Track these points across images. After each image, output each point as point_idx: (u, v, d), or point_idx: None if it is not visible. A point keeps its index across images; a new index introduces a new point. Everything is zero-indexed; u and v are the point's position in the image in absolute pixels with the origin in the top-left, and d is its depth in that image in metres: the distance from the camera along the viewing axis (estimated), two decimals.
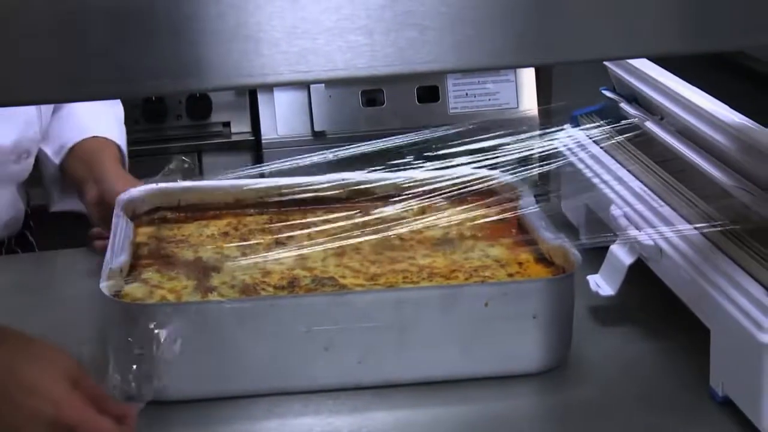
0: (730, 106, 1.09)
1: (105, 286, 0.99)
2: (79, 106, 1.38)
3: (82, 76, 0.55)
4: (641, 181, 1.15)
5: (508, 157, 1.46)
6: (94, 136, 1.37)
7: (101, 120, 1.40)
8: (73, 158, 1.36)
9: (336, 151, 1.35)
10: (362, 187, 1.24)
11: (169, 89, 0.57)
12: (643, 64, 1.24)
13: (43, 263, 1.28)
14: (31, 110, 1.33)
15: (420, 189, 1.25)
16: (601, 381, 1.03)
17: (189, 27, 0.54)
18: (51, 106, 1.38)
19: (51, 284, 1.25)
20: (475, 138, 1.58)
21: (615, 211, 1.14)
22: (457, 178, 1.26)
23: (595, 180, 1.22)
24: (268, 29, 0.55)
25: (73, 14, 0.54)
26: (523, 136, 1.33)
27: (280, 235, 1.15)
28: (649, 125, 1.22)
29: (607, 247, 1.13)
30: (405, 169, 1.29)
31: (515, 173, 1.28)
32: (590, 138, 1.29)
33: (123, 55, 0.54)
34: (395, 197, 1.24)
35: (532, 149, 1.62)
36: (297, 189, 1.23)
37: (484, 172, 1.28)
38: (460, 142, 1.42)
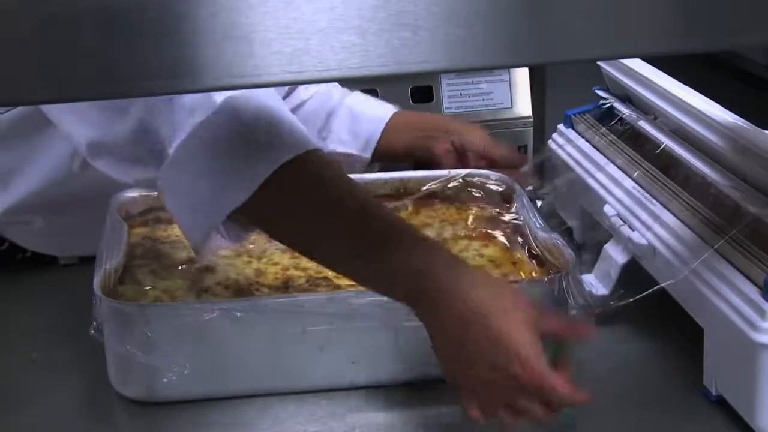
0: (723, 107, 1.09)
1: (98, 286, 0.99)
2: (354, 102, 1.38)
3: (71, 76, 0.55)
4: (635, 181, 1.15)
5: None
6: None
7: (371, 100, 1.40)
8: (385, 142, 1.35)
9: None
10: None
11: (161, 90, 0.57)
12: (637, 64, 1.24)
13: (42, 263, 1.28)
14: None
15: (414, 189, 1.25)
16: (595, 380, 1.03)
17: (181, 27, 0.54)
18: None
19: (50, 283, 1.25)
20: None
21: (608, 210, 1.14)
22: (452, 177, 1.26)
23: (589, 179, 1.22)
24: (261, 30, 0.55)
25: (62, 14, 0.54)
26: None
27: None
28: (643, 125, 1.22)
29: (601, 247, 1.13)
30: (399, 169, 1.30)
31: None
32: (584, 137, 1.29)
33: (113, 56, 0.54)
34: (390, 197, 1.24)
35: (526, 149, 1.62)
36: None
37: (479, 171, 1.28)
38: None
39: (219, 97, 0.93)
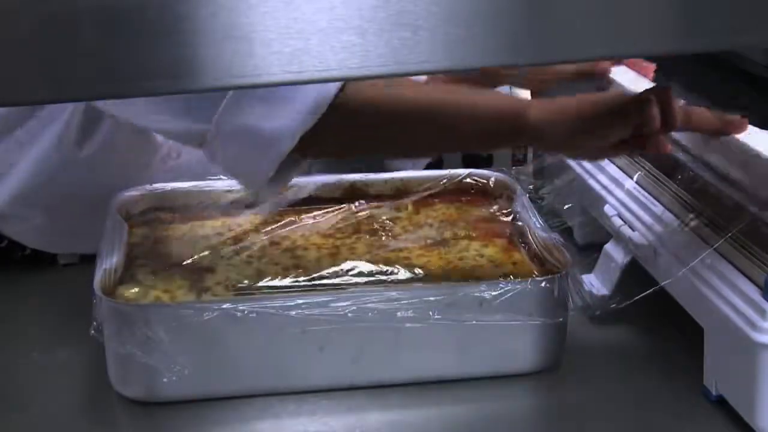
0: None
1: (99, 286, 0.99)
2: None
3: (71, 76, 0.55)
4: (635, 181, 1.15)
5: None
6: None
7: None
8: None
9: None
10: (357, 186, 1.25)
11: (161, 90, 0.57)
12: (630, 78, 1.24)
13: (41, 261, 1.28)
14: None
15: (415, 189, 1.25)
16: (595, 380, 1.03)
17: (181, 27, 0.54)
18: None
19: (50, 283, 1.25)
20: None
21: (609, 210, 1.14)
22: (452, 177, 1.26)
23: (589, 180, 1.22)
24: (261, 29, 0.55)
25: (62, 14, 0.54)
26: None
27: (274, 236, 1.15)
28: None
29: (602, 247, 1.13)
30: (400, 169, 1.30)
31: (509, 173, 1.29)
32: None
33: (113, 56, 0.54)
34: (390, 197, 1.24)
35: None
36: (291, 189, 1.23)
37: (479, 171, 1.28)
38: None
39: None
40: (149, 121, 1.04)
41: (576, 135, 0.99)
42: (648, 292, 1.02)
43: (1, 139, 1.20)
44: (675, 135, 1.09)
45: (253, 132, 0.97)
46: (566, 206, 1.31)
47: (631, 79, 1.20)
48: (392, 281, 1.05)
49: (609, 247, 1.12)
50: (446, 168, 1.29)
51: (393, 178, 1.26)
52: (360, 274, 1.07)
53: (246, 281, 1.05)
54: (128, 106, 1.02)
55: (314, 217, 1.18)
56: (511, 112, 1.00)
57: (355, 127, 0.99)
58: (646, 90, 1.00)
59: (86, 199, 1.20)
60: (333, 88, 0.95)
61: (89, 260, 1.07)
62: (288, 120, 0.95)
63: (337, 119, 0.96)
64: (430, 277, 1.06)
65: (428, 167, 1.31)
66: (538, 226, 1.12)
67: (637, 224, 1.09)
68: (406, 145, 1.04)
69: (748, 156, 1.02)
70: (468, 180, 1.26)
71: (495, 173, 1.28)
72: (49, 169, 1.20)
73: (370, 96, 0.98)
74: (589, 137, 0.99)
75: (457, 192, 1.26)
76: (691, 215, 1.04)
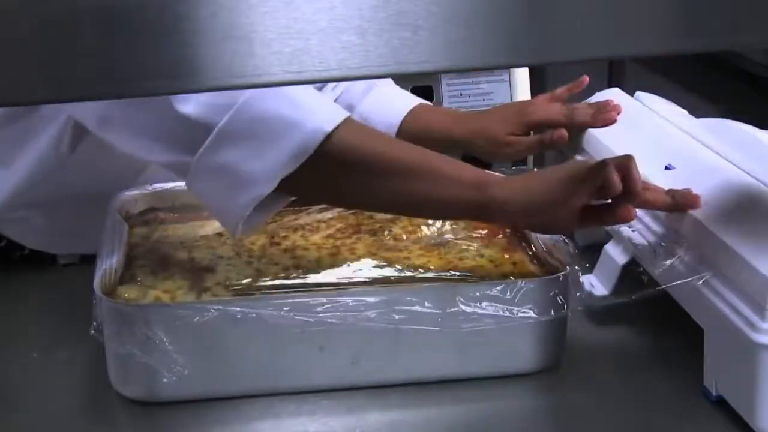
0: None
1: (99, 286, 0.99)
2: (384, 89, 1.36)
3: (71, 76, 0.55)
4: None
5: None
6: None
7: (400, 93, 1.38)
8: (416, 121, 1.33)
9: None
10: None
11: (161, 90, 0.57)
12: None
13: (41, 261, 1.28)
14: None
15: None
16: (595, 381, 1.03)
17: (181, 27, 0.54)
18: None
19: (50, 283, 1.25)
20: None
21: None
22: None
23: None
24: (261, 29, 0.55)
25: (62, 14, 0.54)
26: None
27: (274, 236, 1.15)
28: None
29: (602, 247, 1.13)
30: None
31: (510, 172, 1.28)
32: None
33: (113, 56, 0.54)
34: None
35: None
36: None
37: None
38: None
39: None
40: (136, 149, 1.04)
41: (539, 207, 1.00)
42: (648, 292, 1.02)
43: None
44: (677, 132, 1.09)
45: (231, 173, 0.98)
46: None
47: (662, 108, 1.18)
48: (392, 281, 1.05)
49: (609, 247, 1.12)
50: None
51: None
52: (360, 274, 1.07)
53: (246, 281, 1.05)
54: (117, 134, 1.03)
55: (314, 218, 1.18)
56: (478, 183, 1.01)
57: (336, 176, 1.00)
58: (609, 158, 1.00)
59: (84, 198, 1.20)
60: (320, 134, 0.96)
61: (89, 260, 1.07)
62: (269, 163, 0.96)
63: (319, 165, 0.97)
64: (430, 277, 1.06)
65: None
66: None
67: (637, 224, 1.09)
68: (378, 201, 1.04)
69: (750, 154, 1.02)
70: None
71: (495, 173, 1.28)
72: (46, 168, 1.19)
73: (356, 146, 0.99)
74: (551, 207, 1.00)
75: None
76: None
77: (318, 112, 0.98)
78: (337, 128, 0.97)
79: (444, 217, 1.13)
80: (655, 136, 1.18)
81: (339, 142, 0.98)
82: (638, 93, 1.29)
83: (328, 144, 0.97)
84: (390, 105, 1.34)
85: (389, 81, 1.38)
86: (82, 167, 1.20)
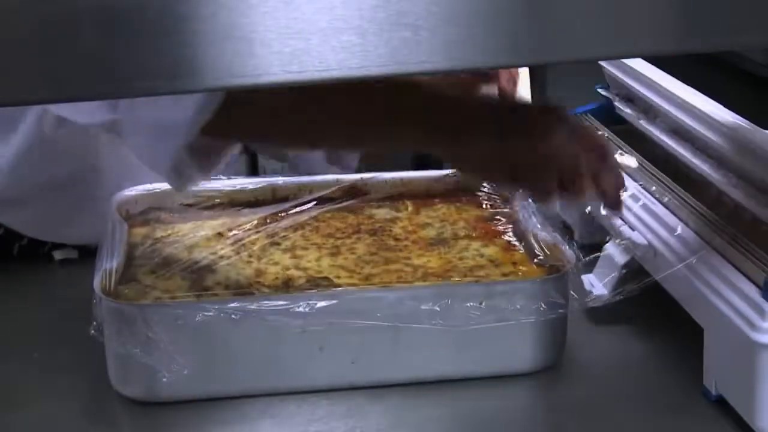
0: (725, 107, 1.09)
1: (98, 286, 0.99)
2: None
3: (71, 76, 0.55)
4: (635, 180, 1.15)
5: None
6: None
7: None
8: None
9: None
10: (357, 187, 1.25)
11: (161, 90, 0.57)
12: (638, 64, 1.24)
13: (40, 262, 1.28)
14: None
15: (415, 189, 1.25)
16: (595, 380, 1.03)
17: (181, 27, 0.54)
18: None
19: (50, 283, 1.25)
20: None
21: (609, 210, 1.14)
22: (452, 177, 1.26)
23: None
24: (261, 30, 0.55)
25: (62, 14, 0.54)
26: None
27: (274, 235, 1.15)
28: (644, 124, 1.22)
29: (602, 247, 1.13)
30: (400, 169, 1.30)
31: None
32: None
33: (113, 56, 0.54)
34: (390, 197, 1.24)
35: None
36: (292, 188, 1.23)
37: None
38: None
39: None
40: (72, 112, 1.04)
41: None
42: (647, 281, 1.02)
43: None
44: (678, 132, 1.09)
45: (154, 123, 0.97)
46: (566, 206, 1.31)
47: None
48: (392, 281, 1.05)
49: (609, 246, 1.12)
50: (446, 168, 1.29)
51: (393, 178, 1.26)
52: (360, 273, 1.07)
53: (246, 281, 1.05)
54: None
55: (315, 217, 1.18)
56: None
57: (257, 113, 0.96)
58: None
59: (79, 187, 1.20)
60: None
61: (88, 258, 1.07)
62: (188, 112, 0.95)
63: (238, 106, 0.94)
64: (430, 277, 1.06)
65: (429, 167, 1.31)
66: (538, 226, 1.12)
67: (636, 224, 1.09)
68: (309, 126, 0.99)
69: (750, 154, 1.02)
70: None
71: None
72: (34, 151, 1.20)
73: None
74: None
75: (457, 192, 1.26)
76: (691, 214, 1.04)
77: None
78: None
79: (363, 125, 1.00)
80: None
81: None
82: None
83: None
84: None
85: None
86: (70, 150, 1.20)
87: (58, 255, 1.28)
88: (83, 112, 1.02)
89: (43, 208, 1.25)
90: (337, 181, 1.24)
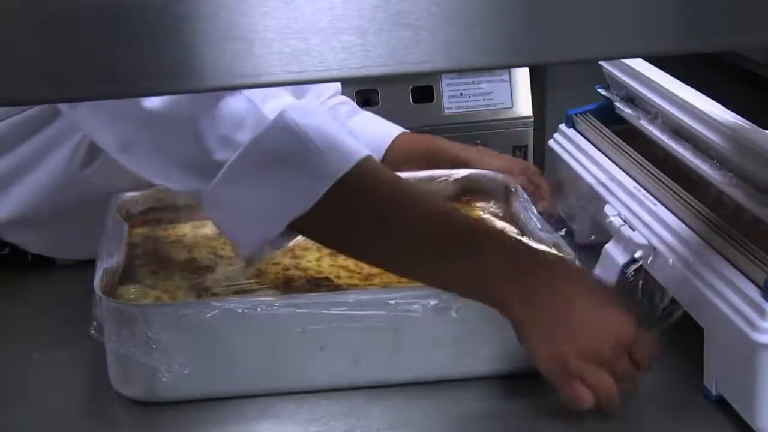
0: (725, 107, 1.09)
1: (99, 286, 0.99)
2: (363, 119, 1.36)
3: (71, 76, 0.55)
4: (636, 180, 1.15)
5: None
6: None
7: (377, 120, 1.38)
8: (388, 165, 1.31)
9: None
10: None
11: (161, 90, 0.57)
12: (638, 64, 1.24)
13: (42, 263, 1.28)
14: None
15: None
16: None
17: (181, 27, 0.54)
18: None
19: (50, 283, 1.25)
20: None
21: (609, 210, 1.14)
22: (452, 177, 1.26)
23: (590, 179, 1.22)
24: (261, 29, 0.55)
25: (62, 14, 0.54)
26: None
27: None
28: (644, 124, 1.22)
29: (602, 247, 1.13)
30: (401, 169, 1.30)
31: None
32: (585, 137, 1.29)
33: (113, 56, 0.54)
34: None
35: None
36: None
37: (479, 171, 1.28)
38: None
39: (266, 108, 0.97)
40: (154, 175, 1.03)
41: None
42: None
43: (3, 155, 1.20)
44: (678, 132, 1.09)
45: (240, 210, 0.97)
46: (567, 206, 1.31)
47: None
48: (393, 281, 1.05)
49: (609, 246, 1.12)
50: (446, 168, 1.29)
51: None
52: (360, 273, 1.07)
53: (246, 281, 1.05)
54: (138, 159, 1.02)
55: None
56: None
57: (344, 220, 0.98)
58: None
59: (90, 206, 1.20)
60: (329, 180, 0.94)
61: (88, 260, 1.07)
62: (276, 206, 0.96)
63: (328, 207, 0.95)
64: None
65: (428, 167, 1.31)
66: (539, 226, 1.12)
67: (637, 224, 1.09)
68: (381, 248, 0.99)
69: (751, 154, 1.02)
70: (468, 180, 1.26)
71: (495, 173, 1.28)
72: (58, 185, 1.20)
73: (369, 188, 0.98)
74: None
75: (457, 192, 1.26)
76: (691, 215, 1.04)
77: (329, 154, 0.95)
78: (350, 172, 0.95)
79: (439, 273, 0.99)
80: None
81: (351, 186, 0.95)
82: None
83: (340, 187, 0.94)
84: (380, 125, 1.36)
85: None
86: (93, 181, 1.20)
87: (60, 261, 1.28)
88: (170, 179, 1.01)
89: (55, 231, 1.25)
90: None
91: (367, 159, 0.97)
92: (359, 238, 0.99)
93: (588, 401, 0.92)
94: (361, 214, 0.98)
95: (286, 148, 0.96)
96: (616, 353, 0.92)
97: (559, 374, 0.92)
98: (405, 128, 1.42)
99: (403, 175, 1.25)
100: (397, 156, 1.33)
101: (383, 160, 1.33)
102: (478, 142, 1.61)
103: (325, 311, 0.97)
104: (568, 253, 1.05)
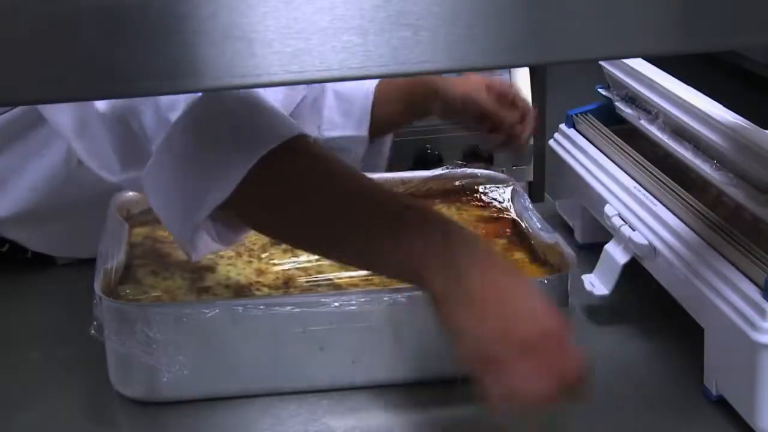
0: (725, 107, 1.09)
1: (99, 286, 0.99)
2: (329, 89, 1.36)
3: (71, 76, 0.55)
4: (636, 180, 1.15)
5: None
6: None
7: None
8: (378, 114, 1.34)
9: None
10: None
11: (161, 90, 0.57)
12: (638, 64, 1.24)
13: (42, 263, 1.28)
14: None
15: (415, 189, 1.25)
16: (595, 380, 1.03)
17: (181, 27, 0.54)
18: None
19: (50, 283, 1.25)
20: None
21: (609, 210, 1.14)
22: (452, 177, 1.26)
23: (590, 179, 1.22)
24: (261, 29, 0.55)
25: (62, 14, 0.54)
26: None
27: None
28: (644, 124, 1.22)
29: (602, 247, 1.13)
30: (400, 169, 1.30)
31: (510, 172, 1.29)
32: (585, 137, 1.29)
33: (113, 56, 0.54)
34: None
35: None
36: None
37: (479, 171, 1.28)
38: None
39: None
40: (98, 164, 1.01)
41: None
42: (649, 292, 1.01)
43: (1, 152, 1.20)
44: (679, 132, 1.09)
45: (170, 196, 0.94)
46: (567, 206, 1.31)
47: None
48: (393, 281, 1.05)
49: (609, 247, 1.12)
50: (446, 168, 1.29)
51: (393, 178, 1.26)
52: (360, 273, 1.07)
53: (246, 281, 1.05)
54: (86, 144, 1.00)
55: None
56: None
57: (279, 191, 0.93)
58: None
59: (89, 204, 1.20)
60: (259, 152, 0.90)
61: (89, 260, 1.07)
62: (202, 189, 0.92)
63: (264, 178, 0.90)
64: None
65: (428, 167, 1.31)
66: (539, 226, 1.12)
67: (637, 224, 1.09)
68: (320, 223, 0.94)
69: (751, 154, 1.02)
70: (468, 180, 1.26)
71: (496, 173, 1.28)
72: (56, 181, 1.19)
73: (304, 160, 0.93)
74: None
75: (457, 192, 1.26)
76: (692, 214, 1.04)
77: (254, 133, 0.91)
78: (274, 151, 0.90)
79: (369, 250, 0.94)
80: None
81: (276, 166, 0.90)
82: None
83: (264, 168, 0.90)
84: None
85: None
86: (85, 174, 1.19)
87: (60, 260, 1.27)
88: (107, 169, 0.99)
89: (54, 228, 1.25)
90: None
91: (297, 138, 0.92)
92: (288, 220, 0.94)
93: (509, 390, 0.84)
94: (289, 196, 0.93)
95: (212, 126, 0.92)
96: (546, 343, 0.84)
97: (479, 360, 0.85)
98: (405, 128, 1.42)
99: (402, 174, 1.26)
100: (385, 98, 1.34)
101: (374, 107, 1.33)
102: (478, 143, 1.61)
103: (325, 311, 0.97)
104: (569, 253, 1.05)
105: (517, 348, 0.83)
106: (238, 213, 0.95)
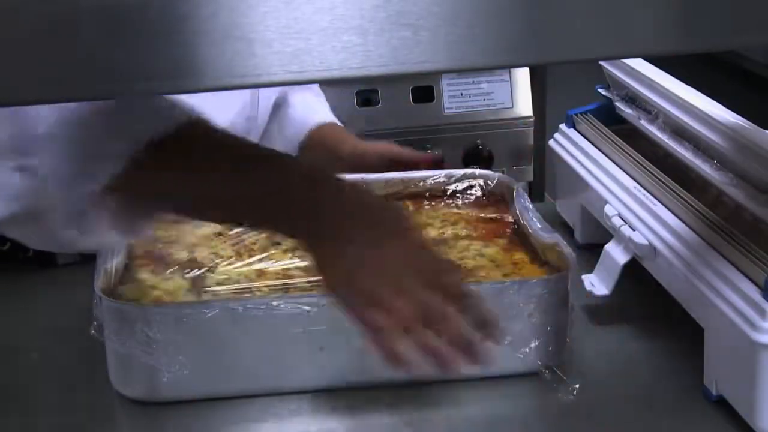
0: (725, 107, 1.09)
1: (99, 286, 0.99)
2: (295, 103, 1.39)
3: (71, 76, 0.55)
4: (636, 180, 1.15)
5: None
6: (324, 124, 1.38)
7: (319, 108, 1.41)
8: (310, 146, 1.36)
9: None
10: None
11: (161, 90, 0.57)
12: (638, 64, 1.24)
13: (42, 262, 1.28)
14: (246, 94, 1.30)
15: (415, 189, 1.25)
16: (596, 381, 1.03)
17: (181, 27, 0.54)
18: (271, 95, 1.37)
19: (50, 283, 1.25)
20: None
21: (609, 210, 1.14)
22: (452, 177, 1.26)
23: (590, 179, 1.22)
24: (261, 29, 0.55)
25: (62, 14, 0.54)
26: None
27: (275, 235, 1.15)
28: (644, 124, 1.22)
29: (602, 247, 1.13)
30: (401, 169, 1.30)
31: (510, 172, 1.29)
32: (585, 137, 1.29)
33: (113, 56, 0.54)
34: (390, 197, 1.24)
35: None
36: None
37: (479, 171, 1.28)
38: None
39: None
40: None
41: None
42: (649, 292, 1.01)
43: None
44: (679, 132, 1.09)
45: (63, 167, 0.91)
46: (567, 206, 1.31)
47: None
48: None
49: (609, 247, 1.12)
50: (446, 168, 1.29)
51: (393, 178, 1.26)
52: None
53: (246, 281, 1.05)
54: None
55: None
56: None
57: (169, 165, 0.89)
58: None
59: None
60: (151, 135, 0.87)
61: (89, 260, 1.07)
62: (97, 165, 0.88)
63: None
64: None
65: (428, 167, 1.31)
66: (539, 225, 1.12)
67: (637, 224, 1.09)
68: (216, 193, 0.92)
69: (751, 154, 1.02)
70: (468, 180, 1.26)
71: (495, 173, 1.28)
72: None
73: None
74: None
75: (457, 192, 1.26)
76: (692, 215, 1.04)
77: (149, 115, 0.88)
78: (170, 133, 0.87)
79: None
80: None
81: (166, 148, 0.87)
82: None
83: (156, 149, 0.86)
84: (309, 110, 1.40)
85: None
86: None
87: (61, 259, 1.27)
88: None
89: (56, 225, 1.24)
90: None
91: (196, 123, 0.89)
92: (184, 200, 0.91)
93: (380, 323, 0.84)
94: (179, 176, 0.89)
95: (104, 111, 0.88)
96: (421, 283, 0.85)
97: (350, 297, 0.85)
98: (405, 128, 1.42)
99: (402, 174, 1.26)
100: (310, 144, 1.37)
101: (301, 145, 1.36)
102: (479, 142, 1.62)
103: (325, 311, 0.97)
104: (569, 253, 1.05)
105: (387, 286, 0.85)
106: (134, 196, 0.91)
